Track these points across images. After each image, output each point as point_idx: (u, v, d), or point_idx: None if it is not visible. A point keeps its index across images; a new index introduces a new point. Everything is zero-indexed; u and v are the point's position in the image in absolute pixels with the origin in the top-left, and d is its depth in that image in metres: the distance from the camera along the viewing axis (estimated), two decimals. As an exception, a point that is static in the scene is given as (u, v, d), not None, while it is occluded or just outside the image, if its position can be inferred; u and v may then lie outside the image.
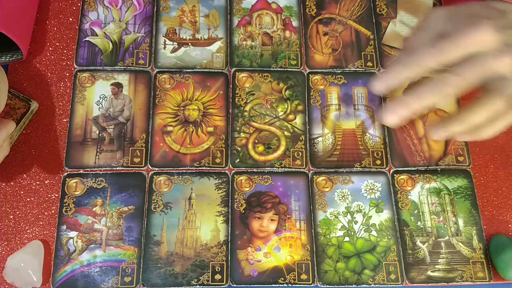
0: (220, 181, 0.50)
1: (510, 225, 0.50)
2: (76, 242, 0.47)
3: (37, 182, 0.49)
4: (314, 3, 0.58)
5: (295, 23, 0.57)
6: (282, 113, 0.53)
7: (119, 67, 0.54)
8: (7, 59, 0.52)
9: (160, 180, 0.50)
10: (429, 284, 0.47)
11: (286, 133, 0.52)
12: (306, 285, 0.47)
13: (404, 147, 0.52)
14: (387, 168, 0.51)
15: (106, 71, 0.54)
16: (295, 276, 0.47)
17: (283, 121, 0.53)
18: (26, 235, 0.48)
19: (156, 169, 0.50)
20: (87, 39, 0.55)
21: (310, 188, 0.50)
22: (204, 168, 0.50)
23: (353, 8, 0.58)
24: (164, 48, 0.55)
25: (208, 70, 0.54)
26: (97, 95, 0.53)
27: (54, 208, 0.48)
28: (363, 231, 0.49)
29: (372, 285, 0.47)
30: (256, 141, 0.52)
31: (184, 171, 0.50)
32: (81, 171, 0.50)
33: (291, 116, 0.53)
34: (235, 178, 0.50)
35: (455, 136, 0.43)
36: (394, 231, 0.49)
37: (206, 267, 0.47)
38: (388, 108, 0.40)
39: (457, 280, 0.47)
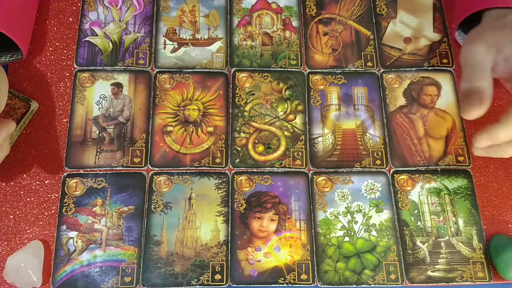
0: (220, 181, 0.50)
1: (510, 225, 0.50)
2: (76, 242, 0.47)
3: (37, 182, 0.49)
4: (314, 3, 0.58)
5: (295, 23, 0.57)
6: (282, 113, 0.53)
7: (119, 67, 0.54)
8: (7, 59, 0.52)
9: (160, 180, 0.50)
10: (429, 284, 0.47)
11: (286, 133, 0.52)
12: (306, 285, 0.47)
13: (404, 147, 0.52)
14: (387, 168, 0.51)
15: (106, 71, 0.54)
16: (295, 276, 0.47)
17: (283, 121, 0.53)
18: (26, 235, 0.48)
19: (156, 169, 0.50)
20: (87, 39, 0.55)
21: (310, 188, 0.50)
22: (204, 168, 0.50)
23: (353, 8, 0.58)
24: (164, 48, 0.55)
25: (208, 70, 0.54)
26: (97, 95, 0.53)
27: (54, 208, 0.48)
28: (363, 231, 0.49)
29: (372, 285, 0.47)
30: (256, 141, 0.52)
31: (184, 171, 0.50)
32: (81, 171, 0.50)
33: (291, 116, 0.53)
34: (235, 178, 0.50)
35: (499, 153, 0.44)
36: (394, 231, 0.49)
37: (206, 267, 0.47)
38: (478, 151, 0.45)
39: (457, 280, 0.47)
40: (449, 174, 0.51)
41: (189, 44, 0.55)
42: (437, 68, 0.56)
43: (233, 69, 0.55)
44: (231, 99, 0.53)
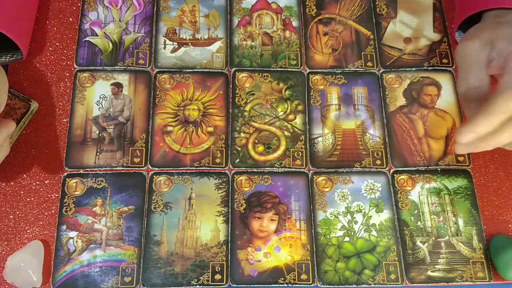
0: (220, 181, 0.50)
1: (510, 225, 0.50)
2: (76, 242, 0.47)
3: (37, 182, 0.49)
4: (314, 3, 0.58)
5: (295, 23, 0.57)
6: (282, 113, 0.53)
7: (119, 67, 0.54)
8: (7, 59, 0.52)
9: (160, 180, 0.50)
10: (429, 284, 0.47)
11: (286, 133, 0.52)
12: (306, 285, 0.47)
13: (404, 147, 0.52)
14: (387, 168, 0.51)
15: (106, 71, 0.54)
16: (295, 276, 0.47)
17: (283, 121, 0.53)
18: (26, 235, 0.48)
19: (156, 169, 0.50)
20: (87, 39, 0.55)
21: (310, 188, 0.50)
22: (204, 168, 0.50)
23: (353, 8, 0.58)
24: (164, 48, 0.55)
25: (208, 70, 0.54)
26: (97, 95, 0.53)
27: (54, 208, 0.48)
28: (363, 231, 0.49)
29: (372, 285, 0.47)
30: (256, 141, 0.52)
31: (184, 171, 0.50)
32: (81, 171, 0.50)
33: (291, 116, 0.53)
34: (235, 178, 0.50)
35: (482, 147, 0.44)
36: (394, 231, 0.49)
37: (206, 267, 0.47)
38: (461, 147, 0.43)
39: (457, 280, 0.47)
40: (449, 174, 0.51)
41: (189, 44, 0.55)
42: (437, 68, 0.56)
43: (233, 69, 0.55)
44: (231, 99, 0.53)
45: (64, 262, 0.46)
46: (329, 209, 0.50)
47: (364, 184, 0.51)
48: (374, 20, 0.58)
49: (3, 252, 0.47)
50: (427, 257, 0.48)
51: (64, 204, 0.48)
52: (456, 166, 0.52)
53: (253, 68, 0.55)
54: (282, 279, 0.47)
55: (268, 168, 0.51)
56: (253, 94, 0.54)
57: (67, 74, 0.53)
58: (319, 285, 0.47)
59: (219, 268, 0.47)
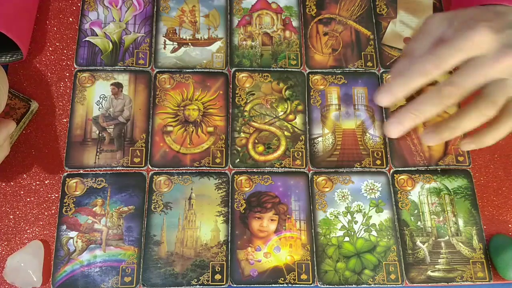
0: (220, 181, 0.50)
1: (510, 225, 0.50)
2: (76, 242, 0.47)
3: (37, 182, 0.49)
4: (314, 3, 0.58)
5: (295, 23, 0.57)
6: (282, 113, 0.53)
7: (119, 67, 0.54)
8: (7, 59, 0.52)
9: (160, 180, 0.50)
10: (429, 284, 0.47)
11: (286, 133, 0.52)
12: (306, 285, 0.47)
13: (404, 147, 0.52)
14: (387, 168, 0.51)
15: (106, 71, 0.54)
16: (295, 276, 0.47)
17: (283, 121, 0.53)
18: (26, 235, 0.48)
19: (156, 169, 0.50)
20: (87, 39, 0.55)
21: (310, 188, 0.50)
22: (204, 168, 0.50)
23: (353, 8, 0.58)
24: (164, 48, 0.55)
25: (208, 70, 0.54)
26: (97, 95, 0.53)
27: (54, 208, 0.48)
28: (363, 231, 0.49)
29: (372, 285, 0.47)
30: (256, 141, 0.52)
31: (184, 171, 0.50)
32: (81, 171, 0.50)
33: (291, 116, 0.53)
34: (235, 178, 0.50)
35: (460, 146, 0.43)
36: (394, 231, 0.49)
37: (206, 267, 0.47)
38: (390, 122, 0.41)
39: (457, 280, 0.47)
40: (449, 174, 0.51)
41: (189, 44, 0.55)
42: (437, 68, 0.56)
43: (233, 69, 0.55)
44: (231, 99, 0.53)
45: (64, 262, 0.46)
46: (329, 209, 0.50)
47: (364, 184, 0.51)
48: (374, 20, 0.58)
49: (3, 252, 0.47)
50: (427, 257, 0.48)
51: (64, 204, 0.48)
52: (456, 166, 0.52)
53: (253, 68, 0.55)
54: (282, 279, 0.47)
55: (268, 168, 0.51)
56: (253, 94, 0.54)
57: (67, 74, 0.53)
58: (319, 285, 0.47)
59: (219, 268, 0.47)
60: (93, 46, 0.55)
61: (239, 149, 0.51)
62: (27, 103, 0.50)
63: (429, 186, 0.51)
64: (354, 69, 0.55)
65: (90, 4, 0.56)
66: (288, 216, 0.49)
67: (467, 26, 0.37)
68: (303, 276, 0.47)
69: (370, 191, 0.50)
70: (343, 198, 0.50)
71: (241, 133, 0.52)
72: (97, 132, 0.51)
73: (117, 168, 0.50)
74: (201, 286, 0.46)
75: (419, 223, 0.49)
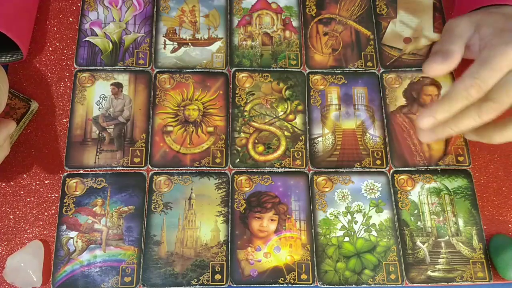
0: (220, 181, 0.50)
1: (510, 225, 0.50)
2: (76, 242, 0.47)
3: (37, 182, 0.49)
4: (314, 3, 0.58)
5: (295, 23, 0.57)
6: (282, 113, 0.53)
7: (119, 67, 0.54)
8: (7, 59, 0.52)
9: (160, 180, 0.50)
10: (429, 284, 0.47)
11: (286, 133, 0.52)
12: (306, 285, 0.47)
13: (404, 147, 0.52)
14: (387, 168, 0.51)
15: (106, 71, 0.54)
16: (295, 276, 0.47)
17: (283, 121, 0.53)
18: (26, 235, 0.48)
19: (156, 169, 0.50)
20: (87, 39, 0.55)
21: (310, 188, 0.50)
22: (204, 168, 0.50)
23: (353, 8, 0.58)
24: (164, 48, 0.55)
25: (208, 70, 0.54)
26: (97, 95, 0.53)
27: (54, 208, 0.48)
28: (363, 231, 0.49)
29: (372, 285, 0.47)
30: (256, 141, 0.52)
31: (184, 171, 0.50)
32: (81, 171, 0.50)
33: (291, 116, 0.53)
34: (235, 178, 0.50)
35: (466, 135, 0.44)
36: (394, 231, 0.49)
37: (206, 267, 0.47)
38: (426, 132, 0.43)
39: (457, 280, 0.47)
40: (449, 174, 0.51)
41: (189, 44, 0.55)
42: (437, 68, 0.56)
43: (233, 69, 0.55)
44: (231, 99, 0.53)
45: (64, 262, 0.46)
46: (329, 209, 0.50)
47: (364, 184, 0.51)
48: (374, 20, 0.58)
49: (3, 252, 0.47)
50: (427, 257, 0.48)
51: (64, 204, 0.48)
52: (456, 166, 0.52)
53: (253, 68, 0.55)
54: (282, 279, 0.47)
55: (268, 168, 0.51)
56: (253, 94, 0.54)
57: (67, 74, 0.53)
58: (319, 285, 0.47)
59: (219, 268, 0.47)
60: (93, 46, 0.55)
61: (239, 149, 0.51)
62: (27, 103, 0.50)
63: (429, 186, 0.51)
64: (354, 69, 0.55)
65: (90, 4, 0.56)
66: (288, 216, 0.49)
67: (503, 42, 0.38)
68: (303, 276, 0.47)
69: (370, 191, 0.50)
70: (343, 198, 0.50)
71: (241, 133, 0.52)
72: (97, 132, 0.51)
73: (117, 168, 0.50)
74: (201, 286, 0.46)
75: (419, 223, 0.49)
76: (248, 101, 0.54)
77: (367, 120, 0.53)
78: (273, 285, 0.47)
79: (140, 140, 0.51)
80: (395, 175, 0.51)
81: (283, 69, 0.55)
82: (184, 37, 0.56)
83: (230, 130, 0.52)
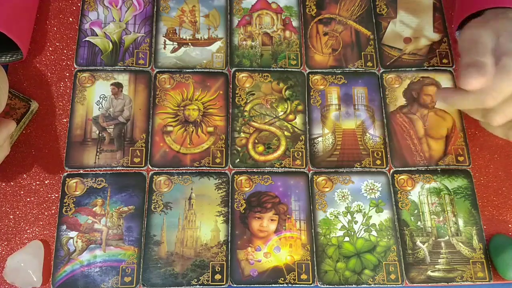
0: (220, 181, 0.50)
1: (510, 225, 0.50)
2: (76, 242, 0.47)
3: (37, 182, 0.49)
4: (314, 3, 0.58)
5: (295, 23, 0.57)
6: (282, 113, 0.53)
7: (119, 67, 0.54)
8: (7, 59, 0.52)
9: (160, 180, 0.50)
10: (429, 284, 0.47)
11: (286, 133, 0.52)
12: (306, 285, 0.47)
13: (404, 147, 0.52)
14: (387, 168, 0.51)
15: (106, 71, 0.54)
16: (295, 276, 0.47)
17: (283, 121, 0.53)
18: (26, 235, 0.48)
19: (156, 169, 0.50)
20: (87, 39, 0.55)
21: (310, 188, 0.50)
22: (204, 168, 0.50)
23: (353, 8, 0.58)
24: (164, 48, 0.55)
25: (208, 70, 0.54)
26: (97, 95, 0.53)
27: (54, 208, 0.48)
28: (363, 231, 0.49)
29: (372, 285, 0.47)
30: (256, 141, 0.52)
31: (184, 171, 0.50)
32: (81, 171, 0.50)
33: (291, 116, 0.53)
34: (235, 178, 0.50)
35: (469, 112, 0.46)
36: (394, 231, 0.49)
37: (206, 267, 0.47)
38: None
39: (457, 280, 0.47)
40: (449, 174, 0.51)
41: (189, 44, 0.55)
42: (437, 68, 0.56)
43: (233, 69, 0.55)
44: (231, 99, 0.53)
45: (64, 262, 0.46)
46: (329, 209, 0.50)
47: (364, 184, 0.51)
48: (374, 20, 0.58)
49: (3, 252, 0.47)
50: (427, 257, 0.48)
51: (64, 204, 0.48)
52: (456, 166, 0.52)
53: (253, 68, 0.55)
54: (282, 279, 0.47)
55: (268, 168, 0.51)
56: (253, 94, 0.54)
57: (67, 74, 0.53)
58: (319, 285, 0.47)
59: (219, 268, 0.47)
60: (93, 46, 0.55)
61: (239, 149, 0.51)
62: (27, 103, 0.50)
63: (429, 186, 0.51)
64: (354, 69, 0.55)
65: (90, 4, 0.56)
66: (288, 216, 0.49)
67: None
68: (303, 276, 0.47)
69: (370, 191, 0.50)
70: (343, 198, 0.50)
71: (241, 133, 0.52)
72: (97, 132, 0.51)
73: (117, 168, 0.50)
74: (201, 286, 0.46)
75: (419, 223, 0.49)
76: (248, 101, 0.54)
77: (367, 120, 0.53)
78: (273, 285, 0.47)
79: (140, 140, 0.51)
80: (395, 175, 0.51)
81: (283, 69, 0.55)
82: (184, 37, 0.56)
83: (230, 130, 0.52)
